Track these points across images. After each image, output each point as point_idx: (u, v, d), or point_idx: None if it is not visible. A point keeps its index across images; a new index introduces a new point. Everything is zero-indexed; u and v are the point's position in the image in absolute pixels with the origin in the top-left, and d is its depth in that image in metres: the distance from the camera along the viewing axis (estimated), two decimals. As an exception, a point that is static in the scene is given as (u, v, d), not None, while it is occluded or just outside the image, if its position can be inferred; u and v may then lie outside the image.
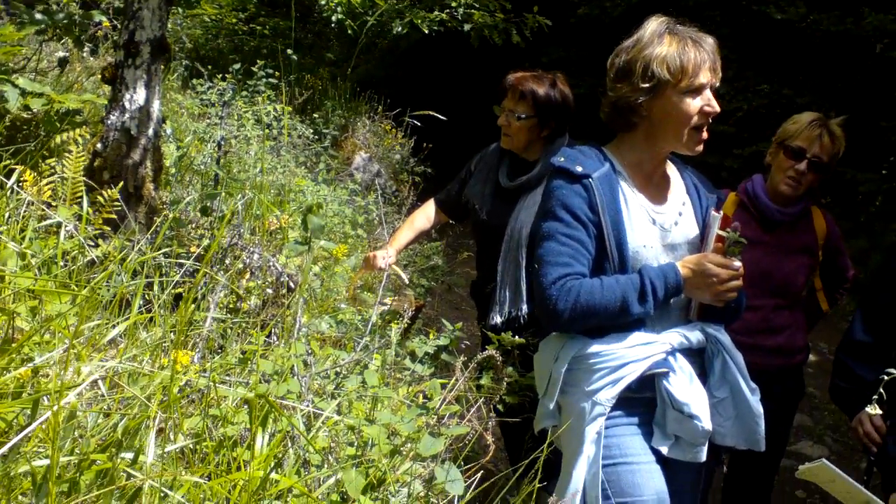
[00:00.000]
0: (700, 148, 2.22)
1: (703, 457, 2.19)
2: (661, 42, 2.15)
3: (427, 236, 3.80)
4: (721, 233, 2.18)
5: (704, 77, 2.14)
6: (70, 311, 1.83)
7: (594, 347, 2.14)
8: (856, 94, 9.17)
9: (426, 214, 3.54)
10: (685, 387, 2.15)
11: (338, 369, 2.18)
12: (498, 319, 2.99)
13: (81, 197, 2.53)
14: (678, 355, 2.19)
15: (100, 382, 1.62)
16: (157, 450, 1.47)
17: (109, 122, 2.82)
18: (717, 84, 2.20)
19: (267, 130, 5.74)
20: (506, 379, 2.39)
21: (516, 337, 2.57)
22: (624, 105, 2.20)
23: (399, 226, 3.76)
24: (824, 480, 2.18)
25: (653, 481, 2.14)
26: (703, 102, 2.15)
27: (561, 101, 3.11)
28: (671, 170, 2.38)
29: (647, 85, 2.14)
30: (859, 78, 9.41)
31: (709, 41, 2.19)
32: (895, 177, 8.33)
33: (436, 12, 8.46)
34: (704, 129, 2.20)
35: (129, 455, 1.43)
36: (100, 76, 3.08)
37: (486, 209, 3.21)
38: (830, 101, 8.70)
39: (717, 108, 2.18)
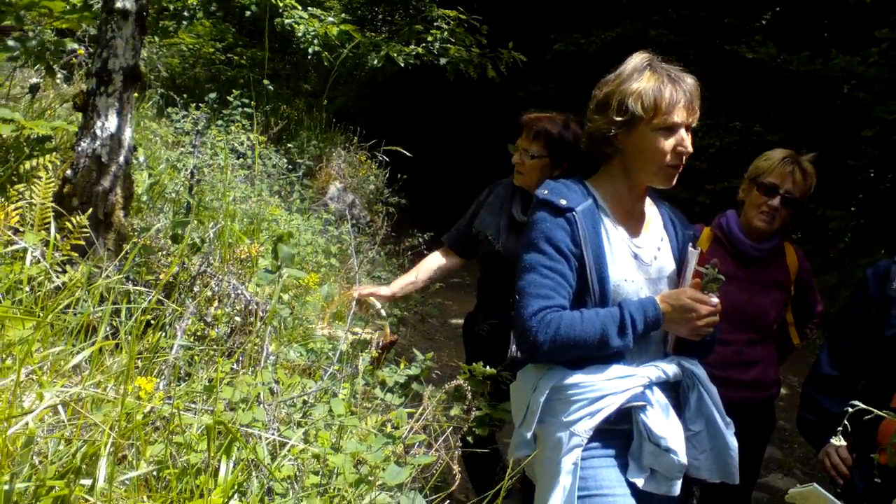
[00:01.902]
0: (673, 182, 2.22)
1: (678, 490, 2.19)
2: (640, 77, 2.15)
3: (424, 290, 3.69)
4: (699, 269, 2.19)
5: (679, 116, 2.14)
6: (33, 336, 1.80)
7: (573, 379, 2.12)
8: (824, 133, 9.34)
9: (428, 266, 3.49)
10: (662, 420, 2.15)
11: (305, 398, 2.16)
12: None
13: (49, 223, 2.50)
14: (655, 388, 2.19)
15: (60, 408, 1.59)
16: (118, 476, 1.44)
17: (80, 148, 2.80)
18: (695, 124, 2.19)
19: (241, 160, 5.73)
20: (475, 410, 2.38)
21: (488, 367, 2.57)
22: (599, 137, 2.22)
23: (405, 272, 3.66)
24: None
25: (627, 513, 2.13)
26: (676, 142, 2.15)
27: (573, 141, 3.13)
28: (649, 205, 2.38)
29: (620, 119, 2.15)
30: (827, 117, 9.59)
31: (688, 81, 2.18)
32: (864, 213, 8.45)
33: (412, 46, 8.54)
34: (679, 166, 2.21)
35: (88, 482, 1.40)
36: (72, 103, 3.07)
37: (500, 240, 3.24)
38: (800, 139, 8.85)
39: (690, 149, 2.17)
